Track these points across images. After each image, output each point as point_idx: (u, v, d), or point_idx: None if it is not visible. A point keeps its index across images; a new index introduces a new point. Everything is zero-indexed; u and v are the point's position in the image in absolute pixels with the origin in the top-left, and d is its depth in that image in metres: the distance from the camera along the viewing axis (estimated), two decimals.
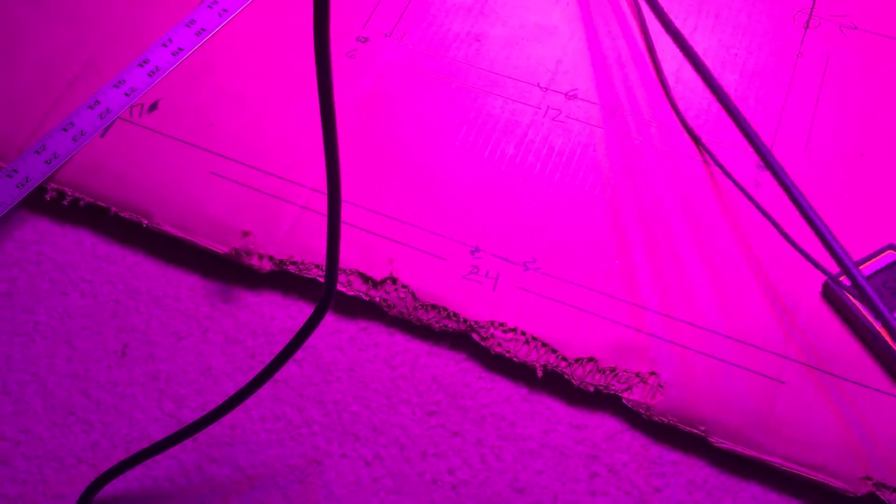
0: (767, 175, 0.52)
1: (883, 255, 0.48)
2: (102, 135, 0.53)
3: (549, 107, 0.55)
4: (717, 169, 0.53)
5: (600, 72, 0.57)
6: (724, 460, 0.45)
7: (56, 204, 0.52)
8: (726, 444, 0.44)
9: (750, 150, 0.53)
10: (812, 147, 0.54)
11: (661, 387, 0.46)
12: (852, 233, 0.50)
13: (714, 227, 0.51)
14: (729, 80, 0.56)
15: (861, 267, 0.48)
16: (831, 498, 0.44)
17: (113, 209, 0.51)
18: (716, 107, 0.55)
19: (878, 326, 0.46)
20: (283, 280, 0.50)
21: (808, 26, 0.58)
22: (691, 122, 0.54)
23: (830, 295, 0.48)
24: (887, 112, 0.55)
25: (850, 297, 0.46)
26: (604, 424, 0.46)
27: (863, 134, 0.54)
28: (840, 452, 0.44)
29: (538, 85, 0.56)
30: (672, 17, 0.56)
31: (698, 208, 0.52)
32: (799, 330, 0.47)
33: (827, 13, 0.59)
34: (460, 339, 0.48)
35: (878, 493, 0.43)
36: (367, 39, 0.58)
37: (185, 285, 0.50)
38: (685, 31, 0.58)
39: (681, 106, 0.55)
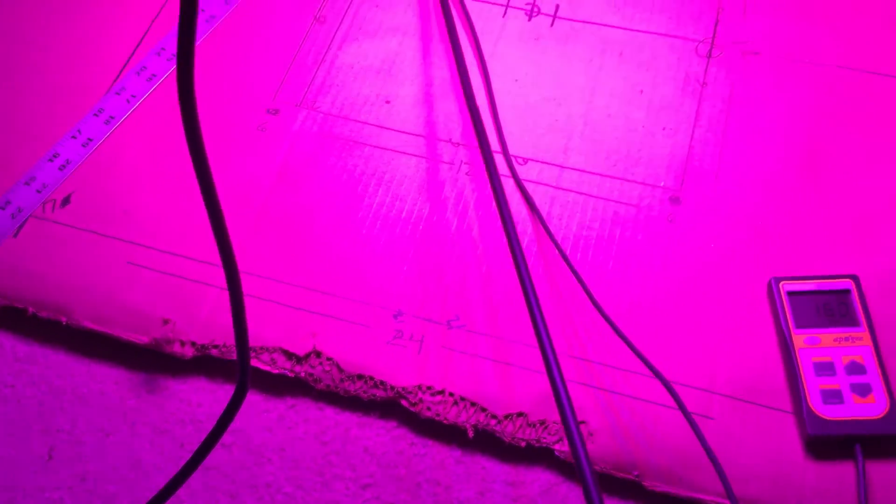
0: (681, 209, 0.53)
1: (839, 280, 0.48)
2: (15, 235, 0.53)
3: (462, 161, 0.56)
4: (629, 208, 0.53)
5: (510, 121, 0.57)
6: (662, 502, 0.45)
7: None
8: (661, 487, 0.44)
9: (665, 186, 0.54)
10: (722, 174, 0.55)
11: (590, 434, 0.46)
12: (778, 253, 0.51)
13: (625, 267, 0.51)
14: (636, 118, 0.57)
15: (813, 282, 0.48)
16: None
17: (31, 309, 0.50)
18: (625, 145, 0.56)
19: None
20: (208, 364, 0.50)
21: (710, 55, 0.59)
22: (602, 164, 0.55)
23: (770, 296, 0.48)
24: (795, 133, 0.56)
25: (778, 299, 0.47)
26: (539, 479, 0.46)
27: (772, 157, 0.55)
28: (773, 482, 0.44)
29: (450, 141, 0.57)
30: (576, 56, 0.57)
31: (609, 249, 0.52)
32: (725, 360, 0.48)
33: (729, 41, 0.60)
34: (390, 406, 0.48)
35: None
36: (277, 111, 0.58)
37: (110, 379, 0.50)
38: (589, 72, 0.59)
39: (594, 147, 0.56)
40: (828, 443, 0.45)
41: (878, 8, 0.60)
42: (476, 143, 0.56)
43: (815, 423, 0.44)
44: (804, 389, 0.45)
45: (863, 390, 0.45)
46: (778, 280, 0.49)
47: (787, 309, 0.47)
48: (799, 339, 0.47)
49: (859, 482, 0.43)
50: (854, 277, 0.48)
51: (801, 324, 0.47)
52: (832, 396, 0.45)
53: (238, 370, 0.39)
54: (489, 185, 0.53)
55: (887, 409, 0.45)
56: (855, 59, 0.58)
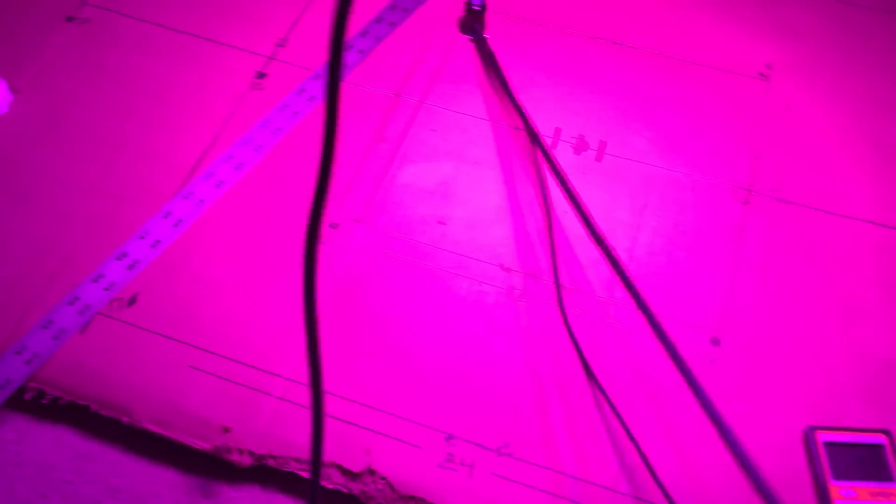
0: (721, 351, 0.56)
1: (873, 434, 0.51)
2: (82, 331, 0.54)
3: (511, 287, 0.58)
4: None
5: (560, 251, 0.60)
6: None
7: (35, 402, 0.53)
8: None
9: (705, 327, 0.57)
10: (760, 316, 0.57)
11: None
12: (814, 399, 0.53)
13: (666, 404, 0.54)
14: (678, 258, 0.60)
15: (849, 434, 0.50)
16: None
17: (93, 407, 0.52)
18: (668, 283, 0.59)
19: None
20: (263, 473, 0.51)
21: (747, 201, 0.63)
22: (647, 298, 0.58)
23: (807, 444, 0.51)
24: (830, 283, 0.59)
25: (815, 449, 0.50)
26: None
27: (808, 304, 0.58)
28: None
29: (501, 265, 0.60)
30: (621, 193, 0.60)
31: (650, 386, 0.54)
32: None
33: (765, 188, 0.64)
34: None
35: None
36: (337, 225, 0.61)
37: (166, 482, 0.51)
38: (634, 209, 0.62)
39: (638, 283, 0.59)
40: None
41: None
42: (526, 270, 0.59)
43: None
44: None
45: None
46: (814, 429, 0.51)
47: (823, 459, 0.50)
48: (835, 490, 0.49)
49: None
50: (887, 432, 0.51)
51: (838, 475, 0.49)
52: None
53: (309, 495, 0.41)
54: (540, 313, 0.56)
55: None
56: (886, 216, 0.62)
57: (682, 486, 0.50)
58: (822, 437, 0.51)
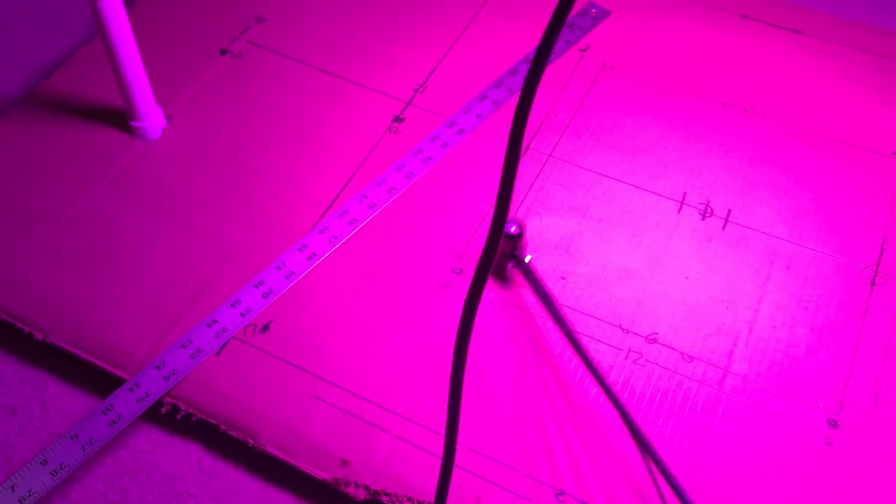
0: (839, 434, 0.55)
1: None
2: (218, 353, 0.57)
3: (629, 349, 0.59)
4: (786, 424, 0.55)
5: (679, 317, 0.61)
6: None
7: (169, 416, 0.56)
8: None
9: (823, 408, 0.56)
10: (881, 402, 0.57)
11: None
12: None
13: (780, 485, 0.53)
14: (800, 334, 0.60)
15: None
16: None
17: (222, 427, 0.55)
18: (788, 359, 0.58)
19: None
20: None
21: (874, 283, 0.62)
22: (764, 375, 0.58)
23: None
24: None
25: None
26: None
27: None
28: None
29: (620, 326, 0.60)
30: (745, 263, 0.60)
31: (766, 464, 0.54)
32: None
33: (893, 270, 0.63)
34: None
35: None
36: (461, 271, 0.62)
37: None
38: (758, 280, 0.62)
39: (758, 357, 0.59)
40: None
41: None
42: (646, 334, 0.59)
43: None
44: None
45: None
46: None
47: None
48: None
49: None
50: None
51: None
52: None
53: None
54: (654, 378, 0.57)
55: None
56: None
57: None
58: None
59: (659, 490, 0.52)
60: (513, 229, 0.60)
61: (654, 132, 0.71)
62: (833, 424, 0.56)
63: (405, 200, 0.66)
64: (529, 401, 0.56)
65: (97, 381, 0.57)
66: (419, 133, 0.70)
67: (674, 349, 0.59)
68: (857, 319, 0.61)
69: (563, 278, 0.63)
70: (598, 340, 0.59)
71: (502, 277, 0.62)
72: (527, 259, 0.61)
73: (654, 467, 0.53)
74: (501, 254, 0.61)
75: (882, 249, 0.64)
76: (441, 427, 0.55)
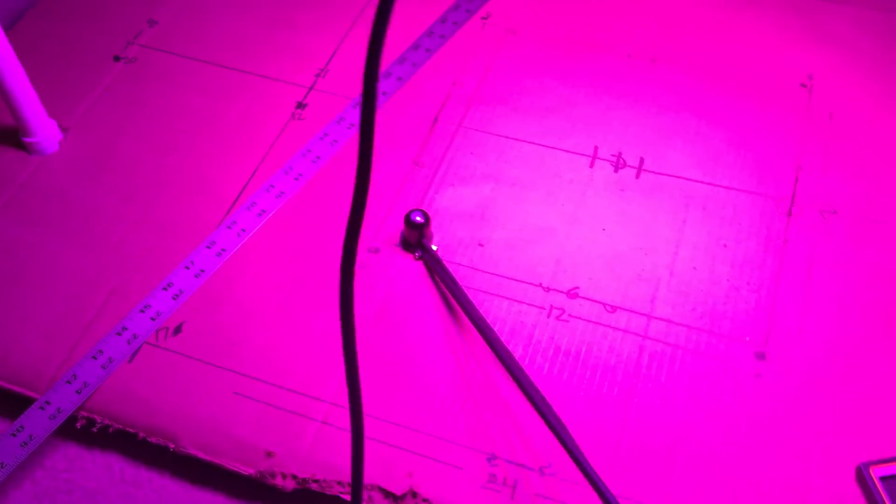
0: (767, 365, 0.55)
1: None
2: (130, 360, 0.56)
3: (552, 306, 0.58)
4: (715, 362, 0.55)
5: (599, 269, 0.60)
6: None
7: (85, 430, 0.54)
8: None
9: (750, 341, 0.56)
10: (806, 329, 0.56)
11: None
12: (868, 427, 0.52)
13: (712, 419, 0.53)
14: (721, 272, 0.59)
15: (890, 465, 0.49)
16: None
17: (140, 434, 0.53)
18: (711, 298, 0.58)
19: None
20: (307, 497, 0.51)
21: (790, 213, 0.62)
22: (689, 316, 0.57)
23: (861, 481, 0.49)
24: (874, 294, 0.58)
25: (873, 486, 0.48)
26: None
27: (853, 317, 0.57)
28: None
29: (540, 285, 0.59)
30: (662, 209, 0.60)
31: (697, 401, 0.53)
32: None
33: (808, 199, 0.63)
34: None
35: None
36: (377, 250, 0.61)
37: None
38: (675, 224, 0.62)
39: (680, 300, 0.58)
40: None
41: None
42: (567, 289, 0.58)
43: None
44: None
45: None
46: (867, 465, 0.49)
47: (885, 496, 0.48)
48: None
49: None
50: None
51: None
52: None
53: None
54: (578, 332, 0.56)
55: None
56: None
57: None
58: (878, 471, 0.49)
59: (568, 448, 0.51)
60: (417, 218, 0.59)
61: (562, 92, 0.70)
62: (761, 356, 0.55)
63: (314, 186, 0.65)
64: (456, 374, 0.55)
65: (8, 404, 0.55)
66: (324, 117, 0.69)
67: (596, 301, 0.58)
68: (778, 251, 0.60)
69: (480, 245, 0.62)
70: (521, 302, 0.58)
71: (415, 250, 0.61)
72: (434, 248, 0.60)
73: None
74: (407, 242, 0.61)
75: (796, 179, 0.64)
76: (368, 408, 0.54)
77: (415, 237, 0.60)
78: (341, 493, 0.50)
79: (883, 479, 0.49)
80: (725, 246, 0.61)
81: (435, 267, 0.59)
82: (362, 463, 0.41)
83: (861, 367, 0.54)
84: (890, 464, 0.49)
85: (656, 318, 0.57)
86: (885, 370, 0.54)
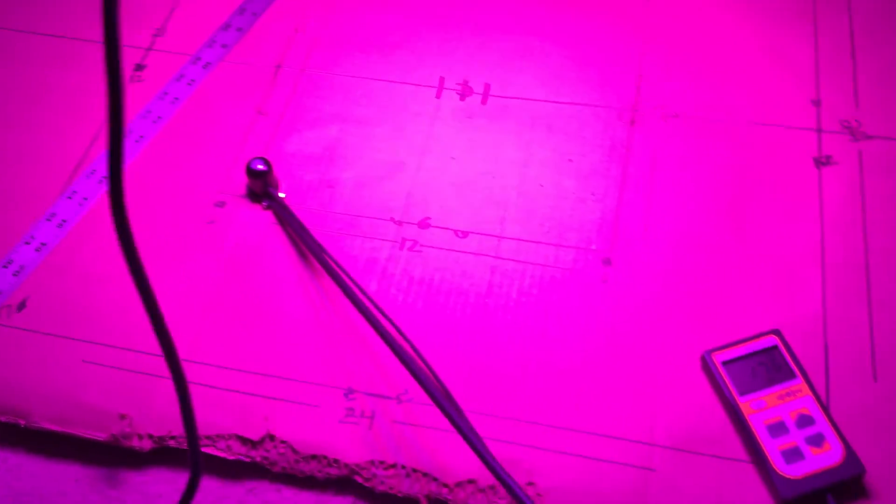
0: (613, 270, 0.56)
1: (764, 338, 0.50)
2: None
3: (404, 238, 0.58)
4: (564, 272, 0.56)
5: (449, 197, 0.60)
6: None
7: None
8: None
9: (596, 249, 0.57)
10: (650, 232, 0.57)
11: (539, 496, 0.47)
12: (708, 305, 0.53)
13: (564, 327, 0.53)
14: (567, 186, 0.60)
15: (742, 346, 0.50)
16: None
17: None
18: (558, 213, 0.58)
19: (739, 400, 0.48)
20: (167, 454, 0.51)
21: (633, 121, 0.63)
22: (537, 232, 0.58)
23: (706, 368, 0.50)
24: (716, 191, 0.59)
25: (716, 371, 0.49)
26: None
27: (696, 215, 0.58)
28: None
29: (392, 219, 0.59)
30: (508, 131, 0.60)
31: (548, 313, 0.54)
32: (663, 413, 0.50)
33: (650, 106, 0.63)
34: (345, 483, 0.49)
35: None
36: (224, 203, 0.60)
37: (70, 478, 0.51)
38: (520, 145, 0.62)
39: (528, 217, 0.58)
40: (802, 500, 0.46)
41: (784, 64, 0.64)
42: (419, 220, 0.58)
43: (785, 486, 0.46)
44: (765, 455, 0.47)
45: (817, 441, 0.47)
46: (710, 352, 0.50)
47: (726, 379, 0.49)
48: (746, 405, 0.48)
49: None
50: (777, 332, 0.51)
51: (744, 390, 0.49)
52: (793, 455, 0.47)
53: (190, 459, 0.41)
54: (431, 260, 0.56)
55: (843, 452, 0.46)
56: (767, 115, 0.62)
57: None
58: (719, 357, 0.50)
59: (417, 376, 0.52)
60: (259, 167, 0.58)
61: (405, 26, 0.70)
62: (607, 262, 0.56)
63: (157, 146, 0.63)
64: (311, 317, 0.55)
65: None
66: (164, 76, 0.67)
67: (447, 228, 0.58)
68: (621, 159, 0.61)
69: (330, 187, 0.61)
70: (373, 238, 0.58)
71: (262, 199, 0.60)
72: (281, 196, 0.59)
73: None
74: (253, 192, 0.60)
75: (638, 88, 0.64)
76: (220, 360, 0.53)
77: (259, 186, 0.59)
78: (200, 445, 0.50)
79: (724, 363, 0.50)
80: (571, 160, 0.61)
81: (283, 214, 0.58)
82: (191, 405, 0.40)
83: (702, 262, 0.56)
84: (730, 348, 0.50)
85: (506, 237, 0.58)
86: (725, 264, 0.55)
